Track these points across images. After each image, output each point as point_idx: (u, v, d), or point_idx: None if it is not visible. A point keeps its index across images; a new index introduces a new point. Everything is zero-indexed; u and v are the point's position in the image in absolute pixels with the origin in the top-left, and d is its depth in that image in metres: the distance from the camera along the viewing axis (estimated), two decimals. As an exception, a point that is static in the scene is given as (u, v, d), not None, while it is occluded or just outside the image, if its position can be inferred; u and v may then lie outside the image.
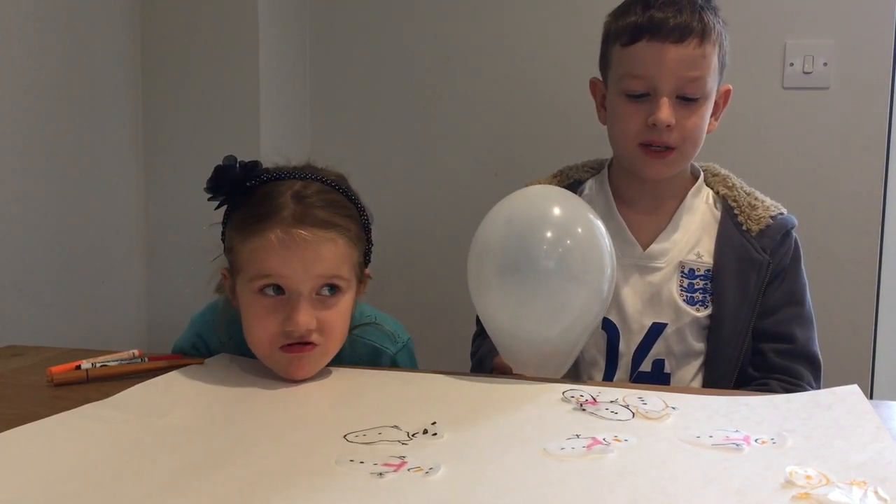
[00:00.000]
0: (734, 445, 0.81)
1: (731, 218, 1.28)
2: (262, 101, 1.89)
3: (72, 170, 1.73)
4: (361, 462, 0.77)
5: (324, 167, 1.11)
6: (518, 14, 1.94)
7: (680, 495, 0.71)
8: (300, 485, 0.73)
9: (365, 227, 1.10)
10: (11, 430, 0.85)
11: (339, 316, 1.05)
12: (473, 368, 1.34)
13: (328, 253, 1.03)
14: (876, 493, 0.68)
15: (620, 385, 1.15)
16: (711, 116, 1.27)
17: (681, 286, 1.27)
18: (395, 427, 0.86)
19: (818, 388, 1.24)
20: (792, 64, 1.82)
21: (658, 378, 1.26)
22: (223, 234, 1.10)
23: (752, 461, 0.78)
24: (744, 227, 1.27)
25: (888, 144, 1.80)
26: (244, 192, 1.06)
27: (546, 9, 1.92)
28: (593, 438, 0.83)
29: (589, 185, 1.34)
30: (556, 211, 1.06)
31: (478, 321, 1.28)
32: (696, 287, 1.27)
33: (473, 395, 1.00)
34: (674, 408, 0.93)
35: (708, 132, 1.27)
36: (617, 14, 1.26)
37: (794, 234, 1.29)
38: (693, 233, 1.29)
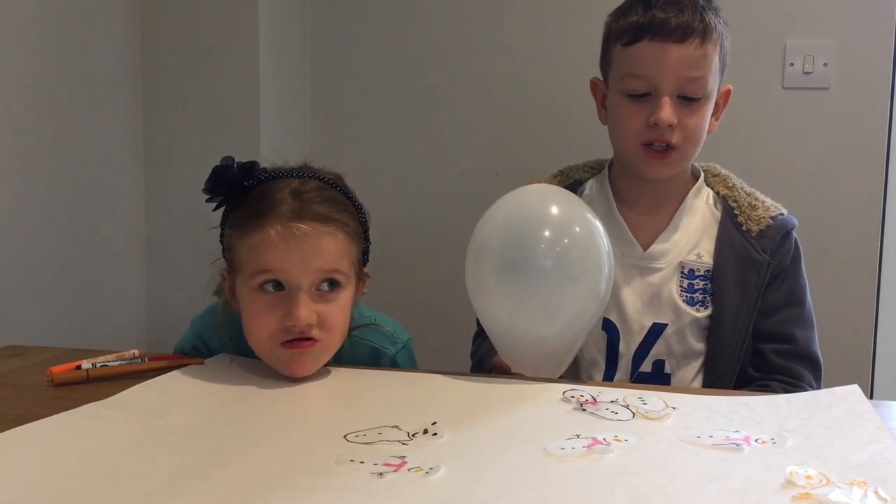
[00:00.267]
0: (734, 445, 0.81)
1: (731, 218, 1.28)
2: (262, 101, 1.89)
3: (72, 170, 1.73)
4: (361, 462, 0.77)
5: (320, 167, 1.12)
6: (518, 14, 1.94)
7: (680, 495, 0.71)
8: (300, 485, 0.73)
9: (363, 225, 1.10)
10: (11, 430, 0.85)
11: (339, 311, 1.05)
12: (473, 368, 1.34)
13: (328, 247, 1.03)
14: (876, 493, 0.68)
15: (620, 385, 1.15)
16: (712, 116, 1.27)
17: (681, 286, 1.27)
18: (396, 427, 0.86)
19: (819, 388, 1.24)
20: (792, 64, 1.82)
21: (658, 378, 1.26)
22: (221, 234, 1.10)
23: (753, 461, 0.78)
24: (744, 228, 1.26)
25: (888, 144, 1.81)
26: (242, 192, 1.06)
27: (546, 9, 1.92)
28: (593, 438, 0.83)
29: (589, 185, 1.34)
30: (554, 210, 1.06)
31: (478, 321, 1.28)
32: (696, 287, 1.27)
33: (473, 395, 1.00)
34: (674, 408, 0.93)
35: (708, 132, 1.26)
36: (618, 14, 1.26)
37: (795, 234, 1.29)
38: (693, 233, 1.29)
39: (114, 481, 0.74)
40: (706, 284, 1.26)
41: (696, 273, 1.27)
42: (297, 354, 1.03)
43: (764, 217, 1.27)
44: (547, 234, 1.03)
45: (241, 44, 1.87)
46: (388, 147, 2.04)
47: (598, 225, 1.07)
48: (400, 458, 0.78)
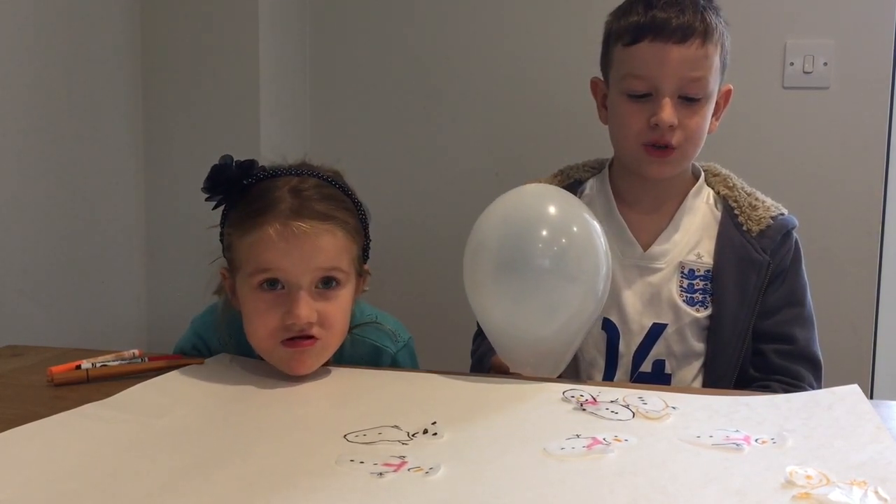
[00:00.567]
0: (734, 445, 0.81)
1: (731, 218, 1.28)
2: (262, 101, 1.89)
3: (72, 170, 1.73)
4: (361, 462, 0.77)
5: (319, 165, 1.12)
6: (518, 14, 1.94)
7: (680, 495, 0.71)
8: (300, 485, 0.73)
9: (362, 222, 1.10)
10: (11, 430, 0.85)
11: (339, 309, 1.05)
12: (473, 367, 1.34)
13: (327, 244, 1.03)
14: (876, 493, 0.68)
15: (621, 385, 1.15)
16: (712, 116, 1.27)
17: (681, 287, 1.27)
18: (396, 427, 0.86)
19: (819, 388, 1.24)
20: (792, 64, 1.82)
21: (659, 378, 1.26)
22: (221, 233, 1.10)
23: (753, 461, 0.78)
24: (744, 228, 1.26)
25: (888, 144, 1.81)
26: (241, 190, 1.06)
27: (546, 9, 1.92)
28: (593, 438, 0.83)
29: (589, 185, 1.34)
30: (552, 209, 1.06)
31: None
32: (695, 287, 1.27)
33: (473, 394, 1.00)
34: (674, 408, 0.93)
35: (709, 132, 1.26)
36: (618, 14, 1.26)
37: (795, 234, 1.29)
38: (693, 233, 1.29)
39: (114, 481, 0.74)
40: (706, 284, 1.26)
41: (697, 273, 1.27)
42: (297, 353, 1.03)
43: (764, 217, 1.27)
44: (545, 233, 1.03)
45: (241, 44, 1.87)
46: (387, 147, 2.04)
47: (596, 225, 1.07)
48: (400, 457, 0.78)
